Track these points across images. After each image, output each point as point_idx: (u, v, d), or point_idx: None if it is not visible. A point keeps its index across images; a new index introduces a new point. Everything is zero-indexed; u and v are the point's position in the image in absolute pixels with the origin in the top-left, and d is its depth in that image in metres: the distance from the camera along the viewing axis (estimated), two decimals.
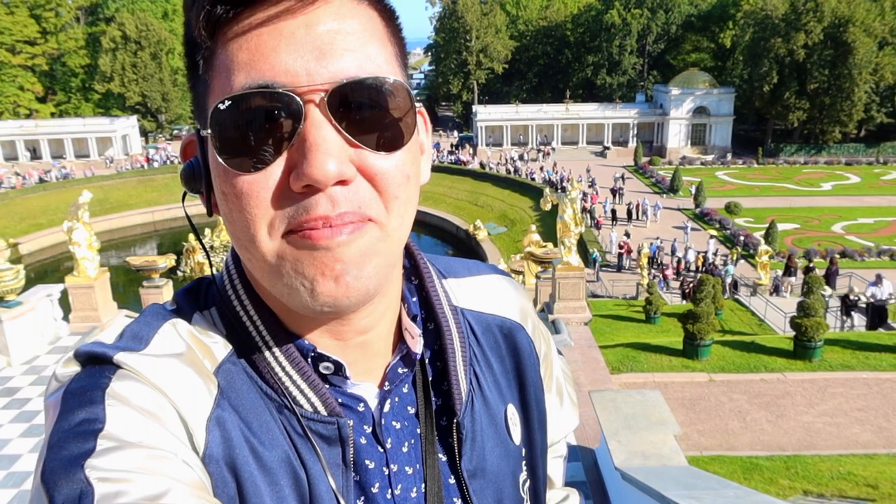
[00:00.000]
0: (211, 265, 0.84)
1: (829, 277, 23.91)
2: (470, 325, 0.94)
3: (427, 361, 0.87)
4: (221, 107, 0.65)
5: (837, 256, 30.37)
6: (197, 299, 0.82)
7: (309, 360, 0.77)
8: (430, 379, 0.86)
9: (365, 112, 0.67)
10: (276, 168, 0.65)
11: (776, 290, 25.36)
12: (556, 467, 1.18)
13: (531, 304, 1.07)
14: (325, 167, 0.63)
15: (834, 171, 53.15)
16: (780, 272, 26.91)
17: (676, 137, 61.31)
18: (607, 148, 61.89)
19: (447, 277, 0.96)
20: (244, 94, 0.64)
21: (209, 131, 0.67)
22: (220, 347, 0.77)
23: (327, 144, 0.64)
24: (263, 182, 0.66)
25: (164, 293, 14.72)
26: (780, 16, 56.62)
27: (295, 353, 0.76)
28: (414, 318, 0.87)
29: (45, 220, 44.03)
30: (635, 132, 63.20)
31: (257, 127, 0.65)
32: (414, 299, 0.89)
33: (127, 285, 28.36)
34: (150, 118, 69.43)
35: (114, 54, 65.00)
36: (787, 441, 10.82)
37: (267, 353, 0.76)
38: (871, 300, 18.70)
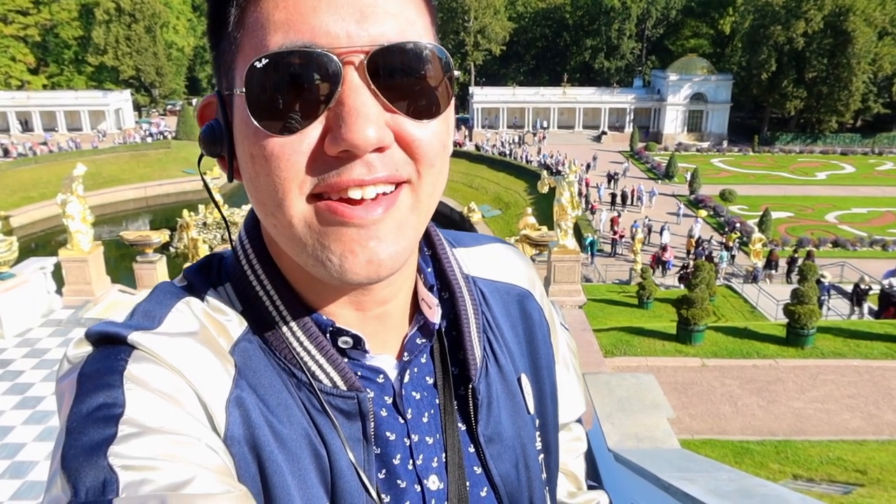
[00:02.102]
0: (230, 235, 0.82)
1: None
2: (482, 292, 0.93)
3: (444, 331, 0.86)
4: (258, 65, 0.62)
5: (830, 246, 30.63)
6: (209, 275, 0.80)
7: (327, 335, 0.75)
8: (447, 348, 0.86)
9: (403, 78, 0.65)
10: (311, 131, 0.63)
11: (755, 278, 25.55)
12: (574, 458, 1.15)
13: (537, 273, 1.06)
14: (365, 133, 0.61)
15: (829, 161, 53.30)
16: (760, 264, 27.08)
17: (673, 123, 61.26)
18: (604, 133, 61.74)
19: (456, 247, 0.95)
20: (282, 53, 0.62)
21: (242, 90, 0.64)
22: (235, 325, 0.75)
23: (367, 109, 0.62)
24: (297, 145, 0.63)
25: (158, 268, 14.66)
26: (780, 3, 56.45)
27: (313, 328, 0.75)
28: (430, 289, 0.86)
29: (37, 194, 43.61)
30: (632, 117, 63.06)
31: (294, 88, 0.62)
32: (429, 269, 0.88)
33: (119, 260, 28.19)
34: (143, 92, 68.79)
35: (107, 26, 64.19)
36: (777, 426, 10.92)
37: (284, 329, 0.75)
38: (887, 288, 18.69)
